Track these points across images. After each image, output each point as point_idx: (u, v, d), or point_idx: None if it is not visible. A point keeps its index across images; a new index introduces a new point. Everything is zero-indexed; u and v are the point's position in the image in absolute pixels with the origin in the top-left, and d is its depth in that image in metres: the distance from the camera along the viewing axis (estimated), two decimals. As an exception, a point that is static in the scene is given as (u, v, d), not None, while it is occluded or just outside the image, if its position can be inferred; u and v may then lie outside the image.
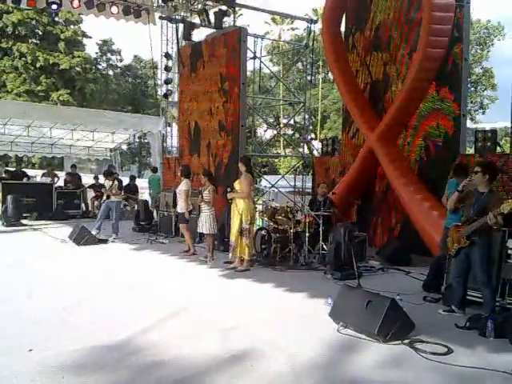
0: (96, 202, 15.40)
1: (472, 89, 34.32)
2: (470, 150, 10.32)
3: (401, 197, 9.29)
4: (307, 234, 8.57)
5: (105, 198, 11.27)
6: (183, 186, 9.54)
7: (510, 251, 5.58)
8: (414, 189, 9.06)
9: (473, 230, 5.30)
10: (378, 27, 10.52)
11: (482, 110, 36.69)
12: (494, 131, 8.72)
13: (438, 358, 4.32)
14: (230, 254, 8.24)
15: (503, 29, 34.11)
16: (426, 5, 8.69)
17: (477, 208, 5.36)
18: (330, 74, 24.10)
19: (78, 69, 35.51)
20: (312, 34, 14.01)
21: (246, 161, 8.36)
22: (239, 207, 8.02)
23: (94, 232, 10.71)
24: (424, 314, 5.59)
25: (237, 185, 8.13)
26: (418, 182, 9.22)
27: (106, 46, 40.60)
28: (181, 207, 9.55)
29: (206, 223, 8.82)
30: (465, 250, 5.45)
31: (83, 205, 15.85)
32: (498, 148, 8.57)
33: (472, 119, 35.01)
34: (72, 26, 36.21)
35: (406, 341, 4.68)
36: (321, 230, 8.57)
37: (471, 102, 34.36)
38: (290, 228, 8.61)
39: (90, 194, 16.04)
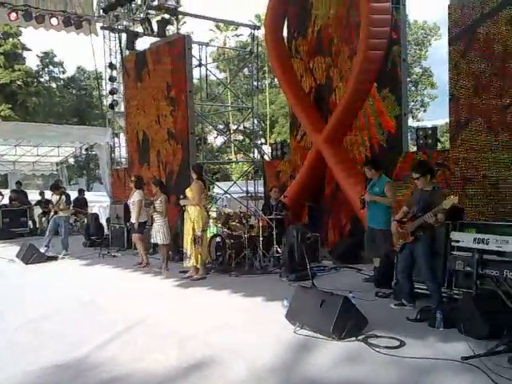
0: (44, 219, 14.94)
1: (413, 88, 35.45)
2: (414, 148, 10.64)
3: (349, 196, 9.48)
4: (261, 239, 8.62)
5: (52, 213, 10.94)
6: (136, 197, 9.36)
7: (453, 243, 5.79)
8: (361, 188, 9.26)
9: (416, 226, 5.50)
10: (320, 31, 10.73)
11: (423, 108, 37.98)
12: (434, 128, 9.05)
13: (391, 351, 4.44)
14: (185, 263, 8.18)
15: (439, 29, 35.43)
16: (364, 8, 8.94)
17: (421, 205, 5.55)
18: (276, 79, 24.36)
19: (18, 82, 34.40)
20: (256, 40, 14.13)
21: (196, 169, 8.36)
22: (191, 215, 7.98)
23: (42, 249, 10.39)
24: (376, 309, 5.72)
25: (188, 192, 8.11)
26: (364, 182, 9.43)
27: (47, 59, 39.49)
28: (134, 218, 9.38)
29: (159, 233, 8.75)
30: (409, 246, 5.64)
31: (30, 222, 15.34)
32: (439, 144, 8.90)
33: (414, 117, 36.15)
34: (11, 39, 35.04)
35: (361, 337, 4.78)
36: (274, 233, 8.65)
37: (412, 101, 35.48)
38: (244, 233, 8.64)
39: (38, 210, 15.56)
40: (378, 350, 4.49)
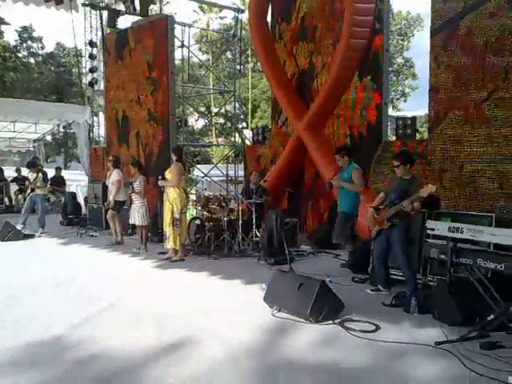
0: (20, 196, 14.70)
1: (394, 78, 35.58)
2: (394, 137, 10.72)
3: (329, 183, 9.52)
4: (240, 222, 8.63)
5: (29, 191, 10.77)
6: (115, 177, 9.32)
7: (429, 231, 5.88)
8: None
9: (393, 213, 5.57)
10: (304, 17, 10.66)
11: (403, 99, 38.15)
12: (413, 118, 9.09)
13: (367, 335, 4.52)
14: (165, 244, 8.15)
15: (422, 21, 35.51)
16: (348, -4, 8.92)
17: (399, 193, 5.62)
18: (259, 63, 24.18)
19: (-4, 57, 33.51)
20: (240, 23, 13.98)
21: (176, 150, 8.33)
22: (170, 197, 7.95)
23: (19, 227, 10.25)
24: (353, 294, 5.81)
25: (167, 174, 8.06)
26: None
27: (26, 33, 38.41)
28: (111, 197, 9.35)
29: (137, 214, 8.69)
30: (385, 232, 5.72)
31: (6, 199, 15.09)
32: (418, 134, 8.99)
33: (394, 107, 36.32)
34: (-12, 12, 33.94)
35: (337, 320, 4.85)
36: (254, 217, 8.66)
37: (393, 91, 35.62)
38: (224, 216, 8.63)
39: (14, 187, 15.29)
40: (353, 333, 4.56)
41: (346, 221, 7.13)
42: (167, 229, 7.99)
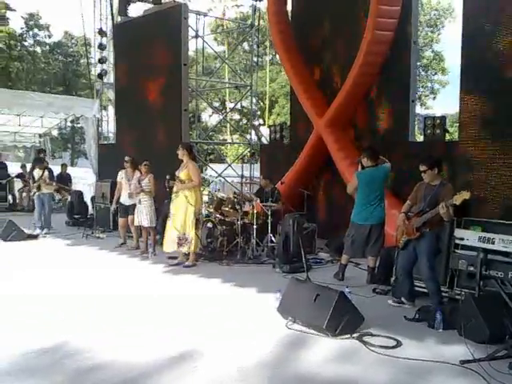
0: (24, 194, 14.91)
1: (422, 73, 35.21)
2: (421, 137, 10.64)
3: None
4: (255, 226, 8.65)
5: (35, 189, 10.91)
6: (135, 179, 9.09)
7: (457, 241, 5.84)
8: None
9: (423, 222, 5.52)
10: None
11: (432, 96, 37.74)
12: (443, 118, 9.03)
13: (387, 351, 4.50)
14: (182, 248, 8.01)
15: (453, 11, 35.11)
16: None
17: (429, 200, 5.55)
18: (277, 55, 24.18)
19: (0, 45, 34.02)
20: (258, 12, 14.02)
21: (187, 146, 8.15)
22: (190, 199, 7.85)
23: (38, 230, 10.57)
24: (373, 306, 5.80)
25: (182, 174, 7.88)
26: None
27: (32, 21, 38.97)
28: (130, 199, 9.15)
29: (146, 215, 8.71)
30: (413, 243, 5.68)
31: (10, 197, 15.31)
32: (447, 135, 8.90)
33: (423, 105, 35.97)
34: (-7, -2, 34.51)
35: (356, 334, 4.85)
36: (269, 221, 8.68)
37: (422, 87, 35.28)
38: (238, 220, 8.66)
39: (18, 184, 15.52)
40: (373, 349, 4.55)
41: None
42: (188, 232, 7.91)
